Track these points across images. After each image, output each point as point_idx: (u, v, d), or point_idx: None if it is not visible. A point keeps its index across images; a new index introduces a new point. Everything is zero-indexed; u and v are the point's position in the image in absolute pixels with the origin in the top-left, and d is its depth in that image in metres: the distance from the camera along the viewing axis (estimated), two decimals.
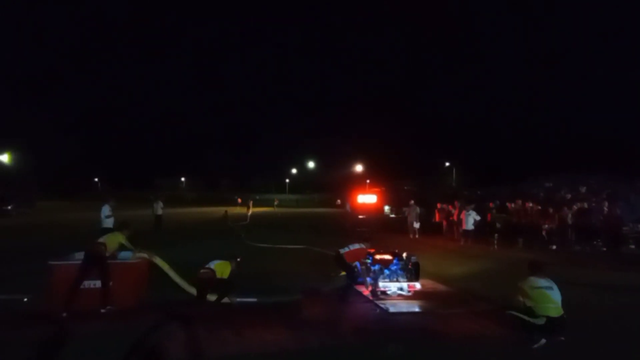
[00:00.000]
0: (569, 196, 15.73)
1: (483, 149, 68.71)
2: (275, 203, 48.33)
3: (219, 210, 28.96)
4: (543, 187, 19.15)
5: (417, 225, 16.68)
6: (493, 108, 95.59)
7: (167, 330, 5.11)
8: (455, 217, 15.89)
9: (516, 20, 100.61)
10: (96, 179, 77.55)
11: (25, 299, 6.26)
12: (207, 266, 6.30)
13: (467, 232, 14.52)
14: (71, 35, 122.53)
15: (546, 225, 14.05)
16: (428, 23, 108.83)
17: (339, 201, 29.30)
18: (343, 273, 7.22)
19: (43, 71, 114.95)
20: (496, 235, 14.26)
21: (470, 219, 14.35)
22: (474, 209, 14.66)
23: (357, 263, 7.16)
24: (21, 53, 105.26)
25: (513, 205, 15.70)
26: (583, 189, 16.65)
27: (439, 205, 18.16)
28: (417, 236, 16.38)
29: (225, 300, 6.33)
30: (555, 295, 4.78)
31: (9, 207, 26.24)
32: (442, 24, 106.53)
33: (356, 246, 7.18)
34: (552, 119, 78.05)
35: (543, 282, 4.90)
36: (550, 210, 14.23)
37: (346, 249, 7.09)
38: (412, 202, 17.22)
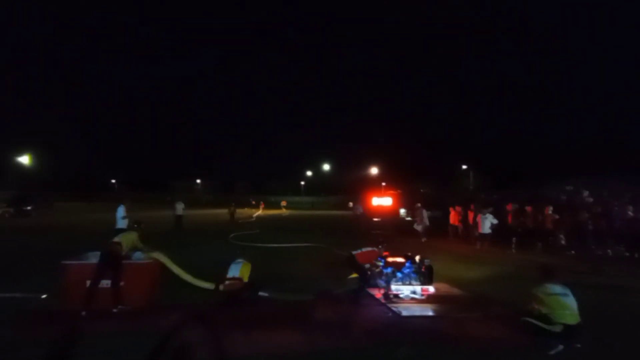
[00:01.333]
0: (591, 200, 15.22)
1: (500, 152, 67.53)
2: (283, 205, 47.21)
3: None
4: (564, 191, 18.58)
5: (418, 227, 16.38)
6: (510, 111, 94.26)
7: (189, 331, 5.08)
8: (471, 220, 15.59)
9: (530, 21, 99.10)
10: (113, 181, 78.93)
11: (44, 296, 6.40)
12: (231, 275, 6.23)
13: (483, 235, 14.22)
14: (89, 37, 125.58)
15: (554, 228, 13.63)
16: (442, 26, 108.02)
17: (350, 204, 28.95)
18: (354, 275, 7.14)
19: (62, 74, 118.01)
20: (514, 239, 13.94)
21: (487, 222, 14.04)
22: (491, 213, 14.36)
23: (368, 265, 7.07)
24: (39, 56, 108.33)
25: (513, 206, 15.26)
26: (605, 193, 16.10)
27: (458, 209, 17.76)
28: (424, 239, 15.98)
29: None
30: (571, 302, 4.61)
31: (29, 208, 26.88)
32: (455, 28, 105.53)
33: (369, 249, 7.13)
34: (569, 121, 76.41)
35: (557, 288, 4.72)
36: (560, 215, 13.77)
37: (358, 251, 7.06)
38: (419, 204, 16.91)
